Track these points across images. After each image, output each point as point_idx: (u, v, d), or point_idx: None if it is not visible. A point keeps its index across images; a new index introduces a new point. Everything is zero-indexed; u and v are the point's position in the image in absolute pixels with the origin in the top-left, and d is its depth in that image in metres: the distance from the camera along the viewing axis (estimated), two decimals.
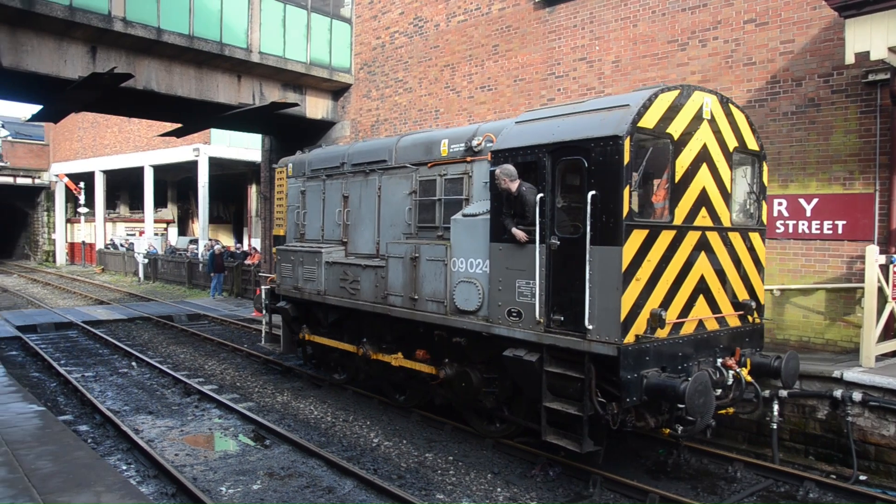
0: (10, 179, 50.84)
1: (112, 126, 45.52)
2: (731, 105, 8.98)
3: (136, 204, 49.89)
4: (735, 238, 8.99)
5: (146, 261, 36.46)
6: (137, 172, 43.01)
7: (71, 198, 51.19)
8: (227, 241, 43.70)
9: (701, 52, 13.14)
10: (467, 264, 9.27)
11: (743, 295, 9.08)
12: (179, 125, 22.28)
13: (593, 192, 7.69)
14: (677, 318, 8.16)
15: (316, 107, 21.40)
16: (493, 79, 17.06)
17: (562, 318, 8.11)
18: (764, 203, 9.63)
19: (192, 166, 38.30)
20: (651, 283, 7.82)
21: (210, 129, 35.32)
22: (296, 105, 19.73)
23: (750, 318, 9.21)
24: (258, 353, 15.62)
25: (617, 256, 7.54)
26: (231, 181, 43.35)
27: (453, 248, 9.48)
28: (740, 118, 9.09)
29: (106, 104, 20.46)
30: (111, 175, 47.16)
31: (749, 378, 8.71)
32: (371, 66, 20.70)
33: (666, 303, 7.99)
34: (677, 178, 8.15)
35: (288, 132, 22.75)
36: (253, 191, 41.19)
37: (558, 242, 8.14)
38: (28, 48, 15.52)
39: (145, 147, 41.97)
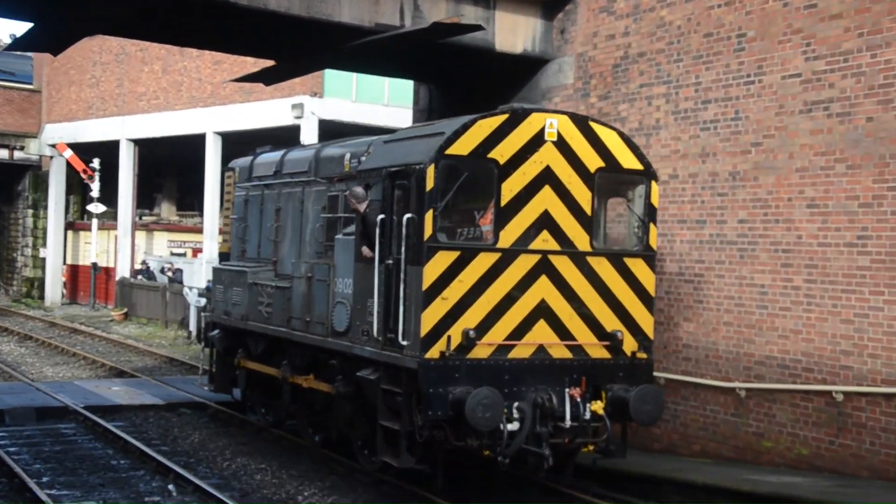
0: None
1: (152, 61, 28.44)
2: (592, 123, 8.92)
3: (189, 200, 33.17)
4: (599, 263, 8.84)
5: (203, 302, 20.58)
6: (194, 144, 26.50)
7: (76, 186, 32.85)
8: None
9: None
10: (343, 284, 9.61)
11: (612, 325, 8.87)
12: (271, 63, 14.26)
13: (409, 215, 8.10)
14: (504, 339, 8.25)
15: (513, 31, 12.76)
16: None
17: (392, 336, 8.41)
18: (653, 226, 9.36)
19: (290, 136, 22.16)
20: (464, 303, 8.04)
21: (323, 70, 21.76)
22: (478, 28, 11.77)
23: (629, 352, 8.98)
24: (390, 478, 9.64)
25: (419, 276, 7.88)
26: None
27: (336, 267, 9.84)
28: (609, 136, 8.96)
29: (144, 24, 12.50)
30: (148, 147, 29.44)
31: (600, 411, 8.53)
32: None
33: (487, 323, 8.14)
34: (504, 202, 8.30)
35: (460, 78, 14.23)
36: None
37: (392, 262, 8.47)
38: None
39: (208, 100, 26.21)
